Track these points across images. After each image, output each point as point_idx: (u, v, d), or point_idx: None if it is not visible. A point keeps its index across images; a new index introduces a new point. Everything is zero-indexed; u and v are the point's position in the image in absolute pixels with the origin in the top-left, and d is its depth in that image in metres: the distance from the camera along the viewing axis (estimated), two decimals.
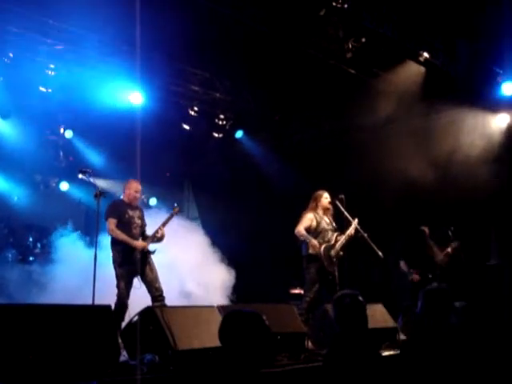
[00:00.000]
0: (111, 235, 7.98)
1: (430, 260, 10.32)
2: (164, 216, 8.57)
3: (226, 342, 3.36)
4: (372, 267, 11.08)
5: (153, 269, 8.08)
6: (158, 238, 8.24)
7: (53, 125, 12.77)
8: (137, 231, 8.14)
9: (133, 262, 7.85)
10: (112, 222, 7.96)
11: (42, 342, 5.05)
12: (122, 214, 8.09)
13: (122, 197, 8.60)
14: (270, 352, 3.52)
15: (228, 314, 3.47)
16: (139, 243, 7.99)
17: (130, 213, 8.17)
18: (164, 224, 8.30)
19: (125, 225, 8.04)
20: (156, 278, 8.04)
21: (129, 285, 7.86)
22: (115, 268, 7.90)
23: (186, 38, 10.10)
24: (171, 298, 8.43)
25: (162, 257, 8.71)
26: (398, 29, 10.19)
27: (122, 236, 7.92)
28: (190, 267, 10.78)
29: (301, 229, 8.74)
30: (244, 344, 3.28)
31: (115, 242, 7.98)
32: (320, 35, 10.77)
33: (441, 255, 10.31)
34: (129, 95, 11.96)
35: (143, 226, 8.33)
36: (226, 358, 3.29)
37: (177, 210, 8.59)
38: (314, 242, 8.62)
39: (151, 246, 8.15)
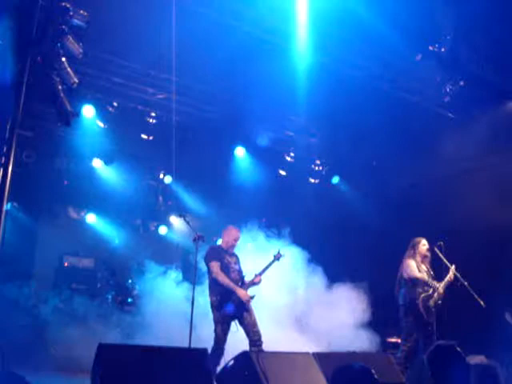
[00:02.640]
0: (215, 278, 7.94)
1: None
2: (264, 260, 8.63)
3: None
4: (472, 316, 10.65)
5: (251, 313, 8.00)
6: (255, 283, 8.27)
7: (153, 170, 13.19)
8: (235, 276, 8.12)
9: (231, 306, 7.84)
10: (216, 266, 7.97)
11: (140, 382, 5.13)
12: (222, 258, 8.14)
13: (219, 242, 8.68)
14: None
15: (338, 369, 3.48)
16: (243, 292, 7.93)
17: (228, 258, 8.22)
18: (264, 270, 8.32)
19: (223, 269, 8.04)
20: (254, 322, 7.94)
21: (226, 329, 7.80)
22: (213, 312, 7.87)
23: (283, 86, 10.25)
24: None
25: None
26: (498, 70, 9.99)
27: (226, 280, 7.91)
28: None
29: (417, 273, 8.50)
30: None
31: (214, 286, 7.97)
32: (416, 79, 10.72)
33: None
34: (230, 145, 12.53)
35: (241, 272, 8.31)
36: None
37: (278, 255, 8.62)
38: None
39: (249, 292, 8.10)
